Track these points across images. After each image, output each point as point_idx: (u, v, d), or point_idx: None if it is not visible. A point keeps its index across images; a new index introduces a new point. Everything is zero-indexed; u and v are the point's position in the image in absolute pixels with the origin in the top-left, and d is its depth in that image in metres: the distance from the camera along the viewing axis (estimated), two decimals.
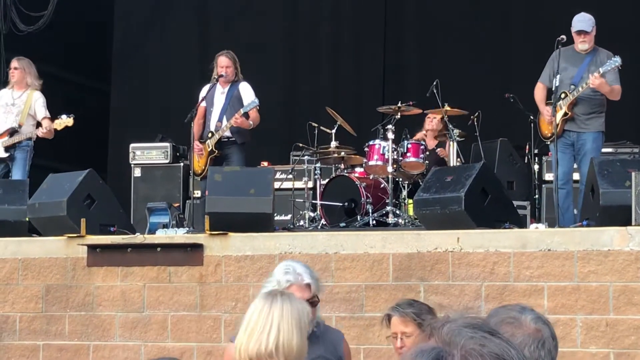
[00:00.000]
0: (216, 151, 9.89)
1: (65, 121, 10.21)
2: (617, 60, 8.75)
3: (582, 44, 8.98)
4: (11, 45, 12.00)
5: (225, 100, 9.98)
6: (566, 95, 8.89)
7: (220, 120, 9.93)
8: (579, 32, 8.97)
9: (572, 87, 8.91)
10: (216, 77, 9.97)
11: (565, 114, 8.87)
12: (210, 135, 9.93)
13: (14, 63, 10.51)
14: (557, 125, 8.83)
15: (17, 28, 12.07)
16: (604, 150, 10.37)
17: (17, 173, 10.24)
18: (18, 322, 8.52)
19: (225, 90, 10.01)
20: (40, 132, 10.21)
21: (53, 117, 10.27)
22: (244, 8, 14.39)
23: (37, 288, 8.53)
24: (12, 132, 10.29)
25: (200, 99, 10.02)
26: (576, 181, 9.18)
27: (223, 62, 9.99)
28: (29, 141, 10.28)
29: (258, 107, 9.90)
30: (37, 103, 10.36)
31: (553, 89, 8.98)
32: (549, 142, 9.24)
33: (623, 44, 10.62)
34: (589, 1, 10.49)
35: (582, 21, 9.01)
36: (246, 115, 9.82)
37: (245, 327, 3.72)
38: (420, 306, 4.63)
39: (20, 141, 10.25)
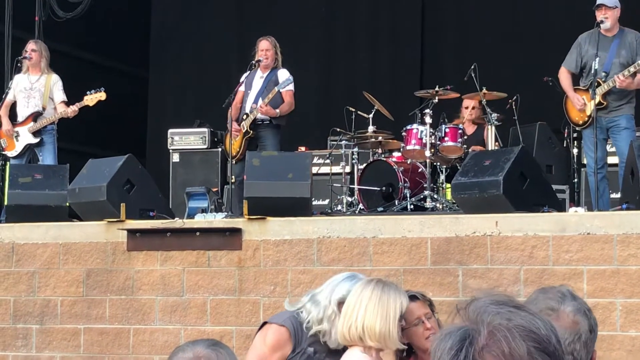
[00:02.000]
0: (251, 132, 9.93)
1: (97, 95, 10.11)
2: None
3: (601, 18, 8.73)
4: (50, 32, 12.08)
5: (263, 84, 10.02)
6: (599, 84, 8.76)
7: (255, 102, 9.98)
8: (599, 7, 8.79)
9: (604, 74, 8.78)
10: (255, 61, 10.01)
11: (600, 103, 8.77)
12: (245, 117, 9.97)
13: (32, 45, 10.39)
14: (593, 113, 8.73)
15: (55, 15, 12.15)
16: None
17: (48, 157, 10.21)
18: (59, 306, 8.61)
19: (265, 75, 10.06)
20: (70, 111, 10.10)
21: (79, 97, 10.21)
22: None
23: (78, 272, 8.62)
24: (37, 116, 10.28)
25: (239, 82, 10.07)
26: (612, 165, 9.12)
27: (264, 46, 10.03)
28: (53, 125, 10.30)
29: (293, 92, 9.91)
30: (56, 86, 10.30)
31: (579, 74, 8.90)
32: (579, 128, 9.19)
33: None
34: None
35: None
36: (279, 96, 9.83)
37: (344, 310, 4.14)
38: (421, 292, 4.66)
39: (45, 125, 10.27)
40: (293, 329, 4.39)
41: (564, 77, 9.10)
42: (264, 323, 4.53)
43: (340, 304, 4.27)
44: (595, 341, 2.53)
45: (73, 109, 10.12)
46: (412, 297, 4.34)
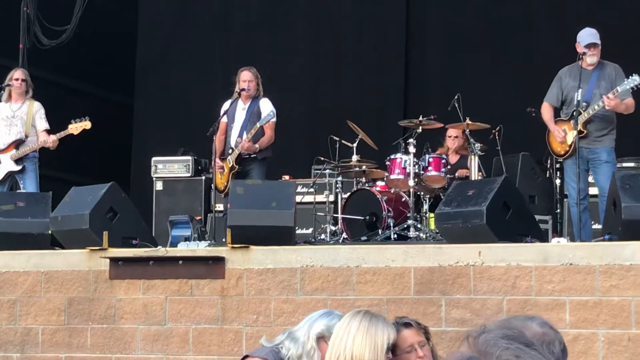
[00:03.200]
0: (237, 166, 9.90)
1: (82, 124, 10.12)
2: (636, 80, 8.71)
3: (591, 58, 8.92)
4: (34, 59, 12.07)
5: (246, 116, 9.99)
6: (580, 114, 8.86)
7: (240, 135, 9.94)
8: (589, 46, 8.94)
9: (584, 104, 8.89)
10: (238, 91, 10.00)
11: (581, 132, 8.85)
12: (230, 151, 9.95)
13: (21, 74, 10.38)
14: (574, 143, 8.81)
15: (40, 42, 12.14)
16: (625, 164, 10.35)
17: (31, 185, 10.19)
18: (40, 335, 8.55)
19: (246, 106, 10.03)
20: (50, 141, 10.09)
21: (63, 124, 10.20)
22: (265, 22, 14.44)
23: (59, 300, 8.57)
24: (19, 144, 10.25)
25: (221, 113, 10.05)
26: (593, 196, 9.17)
27: (246, 77, 10.02)
28: (35, 152, 10.27)
29: (275, 122, 9.90)
30: (38, 114, 10.28)
31: (560, 107, 9.02)
32: (561, 159, 9.25)
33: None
34: (606, 16, 10.49)
35: (591, 34, 9.01)
36: (261, 129, 9.83)
37: (332, 340, 4.19)
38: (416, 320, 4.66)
39: (27, 153, 10.24)
40: None
41: (546, 110, 9.21)
42: (245, 357, 4.53)
43: (319, 339, 4.31)
44: (566, 355, 2.55)
45: (53, 139, 10.09)
46: (407, 325, 4.35)
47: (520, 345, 1.68)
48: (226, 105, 10.07)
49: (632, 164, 10.63)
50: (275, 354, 4.43)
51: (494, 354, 1.66)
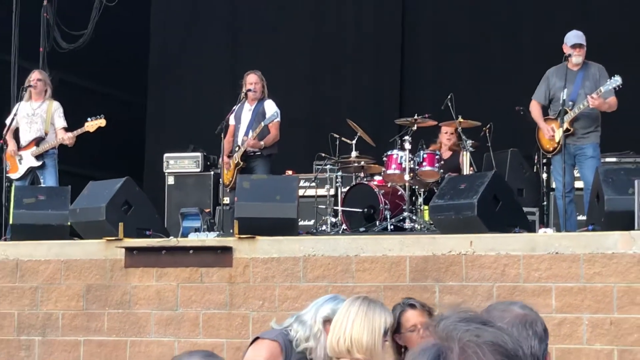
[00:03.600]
0: (242, 163, 9.92)
1: (97, 122, 10.13)
2: (617, 80, 8.73)
3: (576, 58, 8.94)
4: (54, 62, 12.08)
5: (252, 117, 10.02)
6: (566, 112, 8.89)
7: (246, 134, 9.97)
8: (575, 46, 8.95)
9: (571, 103, 8.91)
10: (245, 92, 10.03)
11: (567, 129, 8.88)
12: (237, 148, 9.97)
13: (37, 75, 10.41)
14: (561, 140, 8.83)
15: (59, 46, 12.15)
16: (608, 159, 10.36)
17: (51, 179, 10.20)
18: (61, 319, 8.58)
19: (252, 107, 10.07)
20: (67, 138, 10.12)
21: (80, 122, 10.22)
22: (271, 26, 14.45)
23: (78, 287, 8.60)
24: (39, 141, 10.27)
25: (229, 112, 10.07)
26: (578, 189, 9.19)
27: (251, 79, 10.06)
28: (55, 149, 10.29)
29: (279, 121, 9.92)
30: (57, 113, 10.29)
31: (548, 105, 9.04)
32: (550, 155, 9.27)
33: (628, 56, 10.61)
34: (591, 17, 10.50)
35: (577, 36, 9.02)
36: (266, 128, 9.85)
37: (333, 324, 4.17)
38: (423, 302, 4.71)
39: (47, 149, 10.26)
40: (284, 344, 4.43)
41: (535, 108, 9.22)
42: (256, 338, 4.55)
43: (326, 322, 4.33)
44: (547, 341, 2.56)
45: (70, 137, 10.10)
46: (411, 305, 4.42)
47: (478, 324, 1.70)
48: (234, 108, 10.12)
49: (614, 159, 10.64)
50: (284, 335, 4.46)
51: (454, 337, 1.68)
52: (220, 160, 9.97)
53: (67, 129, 10.21)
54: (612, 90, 8.83)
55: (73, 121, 10.38)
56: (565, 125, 8.84)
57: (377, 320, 4.11)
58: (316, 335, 4.39)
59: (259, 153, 9.94)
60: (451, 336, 1.67)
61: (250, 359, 4.47)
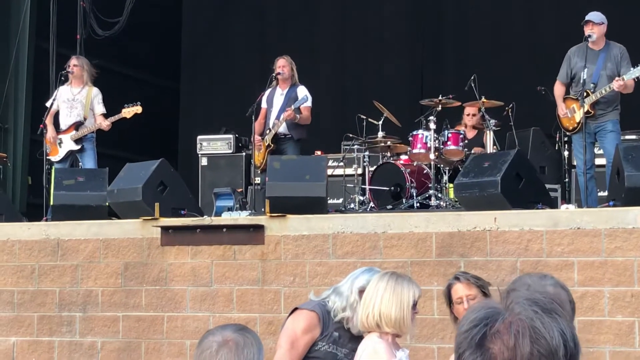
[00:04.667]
0: (272, 145, 9.90)
1: (134, 109, 10.14)
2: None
3: (588, 33, 8.75)
4: (90, 48, 12.12)
5: (284, 101, 10.00)
6: (588, 95, 8.76)
7: (277, 118, 9.96)
8: (587, 22, 8.81)
9: (592, 85, 8.76)
10: (274, 75, 10.01)
11: (588, 112, 8.76)
12: (268, 131, 9.96)
13: (75, 61, 10.39)
14: (581, 120, 8.74)
15: (95, 33, 12.18)
16: (628, 137, 10.27)
17: (89, 162, 10.22)
18: (100, 296, 8.65)
19: (284, 92, 10.05)
20: (104, 125, 10.13)
21: (116, 108, 10.24)
22: (298, 13, 14.43)
23: (116, 265, 8.65)
24: (78, 125, 10.29)
25: (261, 95, 10.06)
26: (599, 166, 9.11)
27: (280, 63, 10.04)
28: (93, 133, 10.31)
29: (310, 107, 9.90)
30: (96, 99, 10.28)
31: (570, 85, 8.93)
32: (569, 133, 9.17)
33: None
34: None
35: (592, 14, 8.86)
36: (298, 111, 9.83)
37: (363, 300, 4.20)
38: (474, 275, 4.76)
39: (86, 134, 10.28)
40: (322, 314, 4.47)
41: (557, 88, 9.14)
42: (295, 309, 4.57)
43: (361, 292, 4.35)
44: (574, 316, 2.54)
45: (107, 124, 10.12)
46: (456, 278, 4.49)
47: (539, 309, 1.67)
48: (266, 93, 10.10)
49: (634, 137, 10.56)
50: (322, 306, 4.49)
51: (513, 310, 1.67)
52: (252, 140, 9.96)
53: (106, 115, 10.23)
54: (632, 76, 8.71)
55: (108, 106, 10.40)
56: (587, 108, 8.72)
57: (406, 295, 4.11)
58: (352, 305, 4.41)
59: (290, 136, 9.92)
60: (512, 307, 1.66)
61: (288, 329, 4.50)
